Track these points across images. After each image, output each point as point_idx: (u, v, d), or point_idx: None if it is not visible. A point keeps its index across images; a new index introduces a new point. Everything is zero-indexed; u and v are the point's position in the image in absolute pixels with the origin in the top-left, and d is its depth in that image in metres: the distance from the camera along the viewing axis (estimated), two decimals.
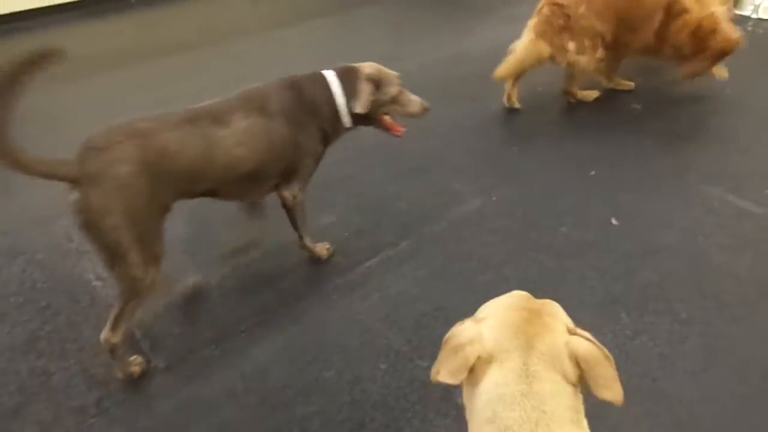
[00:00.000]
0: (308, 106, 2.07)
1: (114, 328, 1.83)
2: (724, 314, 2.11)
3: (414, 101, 2.25)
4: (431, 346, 1.96)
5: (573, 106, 3.54)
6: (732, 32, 3.20)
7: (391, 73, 2.23)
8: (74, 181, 1.64)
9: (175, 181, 1.81)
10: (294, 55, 4.31)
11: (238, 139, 1.90)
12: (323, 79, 2.13)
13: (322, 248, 2.40)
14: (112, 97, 3.75)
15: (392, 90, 2.19)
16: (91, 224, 1.67)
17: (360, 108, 2.11)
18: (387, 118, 2.27)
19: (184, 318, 2.18)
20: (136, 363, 1.95)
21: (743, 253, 2.41)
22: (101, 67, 4.24)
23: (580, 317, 2.11)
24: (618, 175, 2.92)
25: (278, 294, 2.26)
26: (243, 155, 1.92)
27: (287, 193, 2.18)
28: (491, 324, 1.13)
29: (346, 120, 2.17)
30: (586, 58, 3.24)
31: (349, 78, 2.14)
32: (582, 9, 3.17)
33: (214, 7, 5.49)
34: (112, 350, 1.86)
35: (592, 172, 2.93)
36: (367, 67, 2.18)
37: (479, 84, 3.81)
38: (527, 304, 1.21)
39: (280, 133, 2.00)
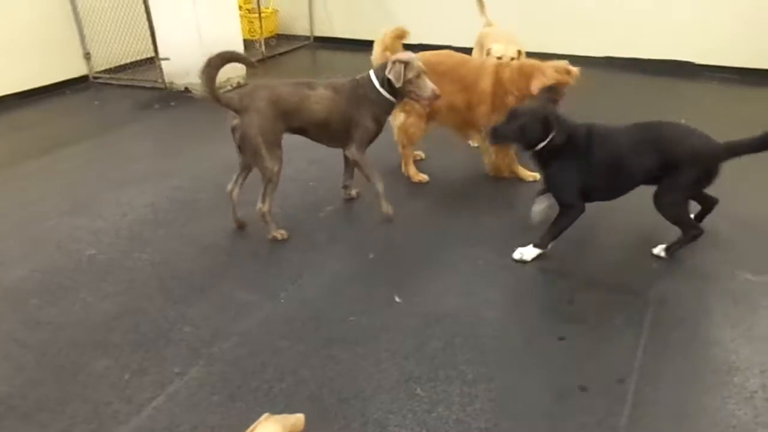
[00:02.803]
0: (360, 95, 3.16)
1: (263, 201, 3.15)
2: (503, 367, 2.31)
3: (426, 87, 3.12)
4: None
5: (341, 198, 3.74)
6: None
7: (413, 63, 3.10)
8: (237, 111, 2.97)
9: (285, 115, 3.05)
10: (44, 189, 3.96)
11: (316, 99, 3.10)
12: (365, 75, 3.20)
13: (388, 207, 3.38)
14: None
15: (409, 74, 3.08)
16: (244, 136, 3.00)
17: (398, 83, 3.09)
18: (414, 94, 3.15)
19: None
20: (280, 232, 3.22)
21: (509, 304, 2.69)
22: None
23: (379, 402, 2.17)
24: (393, 253, 3.12)
25: None
26: (317, 109, 3.11)
27: (348, 152, 3.30)
28: None
29: (389, 96, 3.17)
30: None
31: (381, 68, 3.15)
32: None
33: None
34: (264, 216, 3.17)
35: (371, 255, 3.09)
36: (401, 54, 3.19)
37: (254, 188, 3.83)
38: None
39: (340, 105, 3.14)
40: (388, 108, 3.25)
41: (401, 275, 2.92)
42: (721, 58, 6.06)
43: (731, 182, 3.74)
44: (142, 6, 5.78)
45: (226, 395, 2.21)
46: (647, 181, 2.88)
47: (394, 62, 3.09)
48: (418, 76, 3.10)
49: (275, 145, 3.07)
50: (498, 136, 2.93)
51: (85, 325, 2.59)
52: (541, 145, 2.82)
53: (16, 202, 3.77)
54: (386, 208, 3.36)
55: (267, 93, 3.02)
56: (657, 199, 2.85)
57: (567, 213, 2.92)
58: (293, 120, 3.10)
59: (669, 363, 2.32)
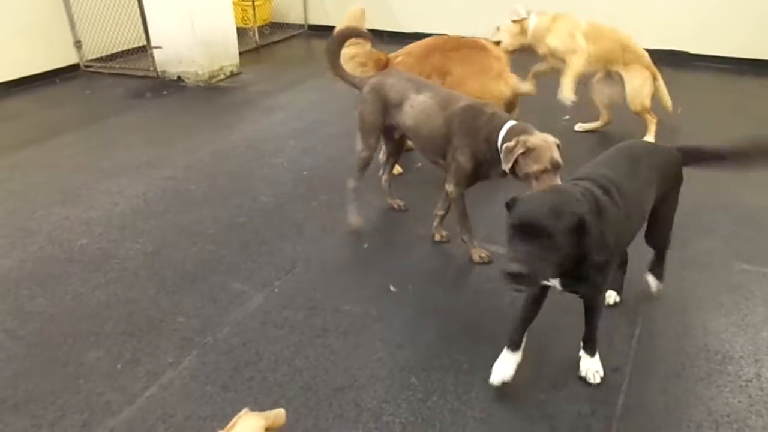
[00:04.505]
0: (474, 127, 2.64)
1: (353, 178, 3.12)
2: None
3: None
4: None
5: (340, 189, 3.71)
6: None
7: (542, 154, 2.39)
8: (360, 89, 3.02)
9: (386, 108, 2.93)
10: (34, 179, 3.91)
11: (412, 103, 2.85)
12: (499, 122, 2.57)
13: (477, 253, 2.91)
14: None
15: (534, 167, 2.40)
16: (357, 111, 3.03)
17: (504, 165, 2.49)
18: (536, 184, 2.42)
19: None
20: (355, 219, 3.17)
21: (504, 294, 2.68)
22: None
23: (374, 392, 2.16)
24: (388, 242, 3.10)
25: None
26: (408, 113, 2.86)
27: (446, 186, 2.84)
28: None
29: (504, 164, 2.50)
30: None
31: (511, 133, 2.50)
32: None
33: None
34: (352, 192, 3.15)
35: (366, 245, 3.07)
36: (532, 136, 2.43)
37: (247, 178, 3.84)
38: None
39: (435, 120, 2.76)
40: (497, 169, 2.61)
41: (396, 265, 2.90)
42: (715, 48, 6.03)
43: (728, 174, 3.75)
44: None
45: (219, 385, 2.19)
46: None
47: (516, 142, 2.42)
48: (544, 170, 2.39)
49: (371, 133, 3.00)
50: (526, 280, 1.74)
51: (77, 315, 2.57)
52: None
53: (5, 191, 3.72)
54: (477, 256, 2.91)
55: (375, 81, 2.97)
56: (658, 231, 2.37)
57: (601, 303, 2.14)
58: (393, 116, 2.93)
59: (663, 352, 2.31)
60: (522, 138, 2.42)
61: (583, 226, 1.73)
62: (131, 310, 2.59)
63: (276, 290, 2.72)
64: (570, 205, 1.76)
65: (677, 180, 2.30)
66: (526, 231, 1.72)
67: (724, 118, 4.69)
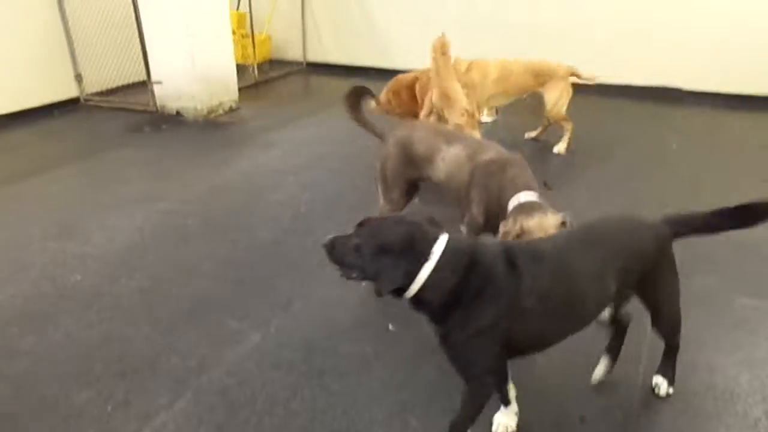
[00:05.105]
0: (486, 185, 2.60)
1: None
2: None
3: None
4: None
5: (338, 226, 3.69)
6: None
7: (532, 235, 2.26)
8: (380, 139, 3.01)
9: (412, 161, 2.84)
10: (30, 212, 3.88)
11: (443, 156, 2.75)
12: (514, 190, 2.49)
13: None
14: None
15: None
16: (378, 163, 2.95)
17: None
18: None
19: None
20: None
21: None
22: None
23: None
24: None
25: None
26: (440, 166, 2.76)
27: (461, 227, 2.75)
28: None
29: None
30: None
31: (517, 210, 2.43)
32: None
33: None
34: None
35: (363, 283, 3.02)
36: (530, 219, 2.33)
37: (244, 213, 3.82)
38: None
39: (462, 174, 2.69)
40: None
41: (394, 303, 2.84)
42: (708, 84, 6.12)
43: (726, 203, 3.75)
44: (135, 29, 5.77)
45: (213, 427, 2.13)
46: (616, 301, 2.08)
47: (513, 224, 2.37)
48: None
49: (394, 188, 2.90)
50: (335, 258, 1.95)
51: (67, 354, 2.51)
52: (416, 287, 1.77)
53: (1, 223, 3.69)
54: None
55: (402, 133, 2.89)
56: (659, 316, 2.10)
57: (476, 393, 1.88)
58: (422, 170, 2.82)
59: None
60: (519, 218, 2.36)
61: (377, 255, 1.78)
62: (124, 349, 2.54)
63: (272, 329, 2.67)
64: (391, 236, 1.78)
65: (661, 260, 1.98)
66: (358, 224, 1.88)
67: (716, 155, 4.73)
